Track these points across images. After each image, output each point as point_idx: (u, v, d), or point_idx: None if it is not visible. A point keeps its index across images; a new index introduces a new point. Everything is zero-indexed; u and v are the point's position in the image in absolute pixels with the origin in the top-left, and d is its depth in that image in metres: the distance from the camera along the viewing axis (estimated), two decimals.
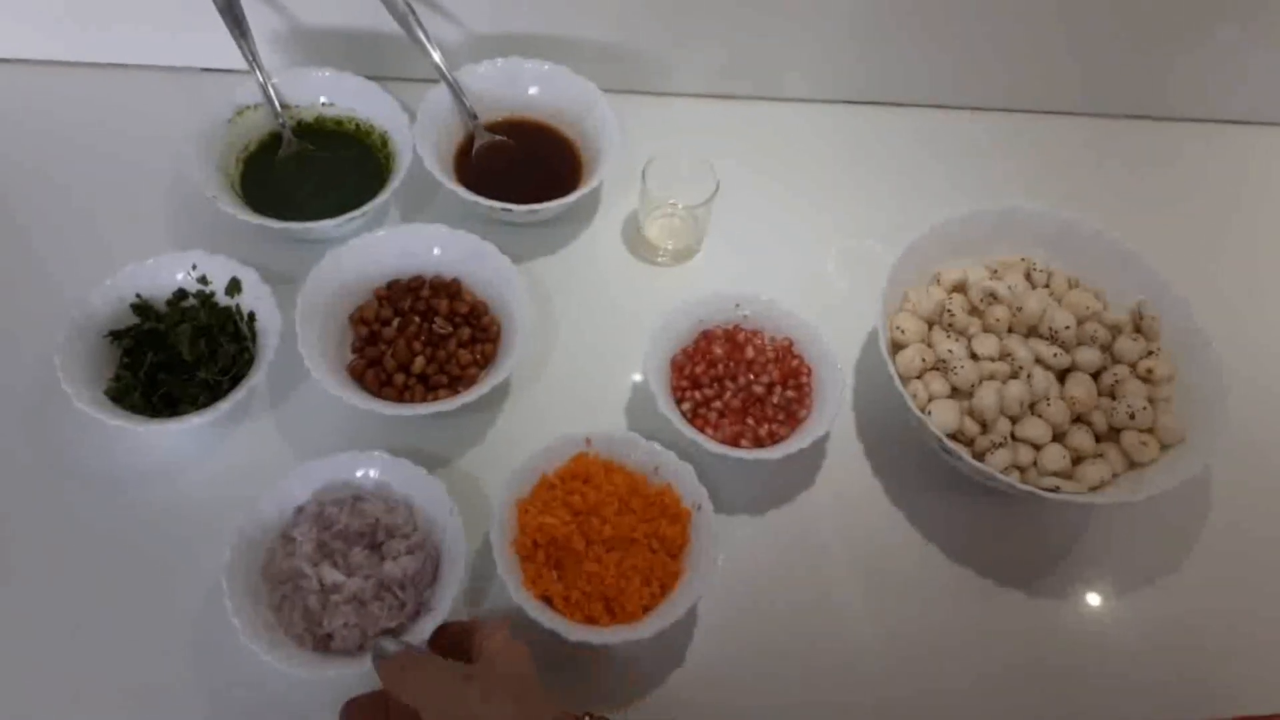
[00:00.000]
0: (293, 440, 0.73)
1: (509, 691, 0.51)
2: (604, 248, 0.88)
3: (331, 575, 0.62)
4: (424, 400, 0.72)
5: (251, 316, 0.73)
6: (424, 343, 0.74)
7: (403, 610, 0.63)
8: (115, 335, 0.71)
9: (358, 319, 0.76)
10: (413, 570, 0.64)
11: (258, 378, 0.68)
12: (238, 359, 0.71)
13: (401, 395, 0.73)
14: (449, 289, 0.78)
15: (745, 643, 0.68)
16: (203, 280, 0.73)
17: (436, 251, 0.78)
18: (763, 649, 0.68)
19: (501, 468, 0.69)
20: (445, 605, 0.62)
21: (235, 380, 0.70)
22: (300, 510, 0.66)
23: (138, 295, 0.72)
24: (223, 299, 0.73)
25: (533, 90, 0.90)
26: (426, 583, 0.65)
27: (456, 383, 0.74)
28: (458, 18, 0.90)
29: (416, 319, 0.75)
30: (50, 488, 0.69)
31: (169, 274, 0.73)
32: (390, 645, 0.53)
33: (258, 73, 0.84)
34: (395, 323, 0.75)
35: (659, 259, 0.88)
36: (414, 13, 0.85)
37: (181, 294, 0.73)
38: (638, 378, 0.79)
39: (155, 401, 0.68)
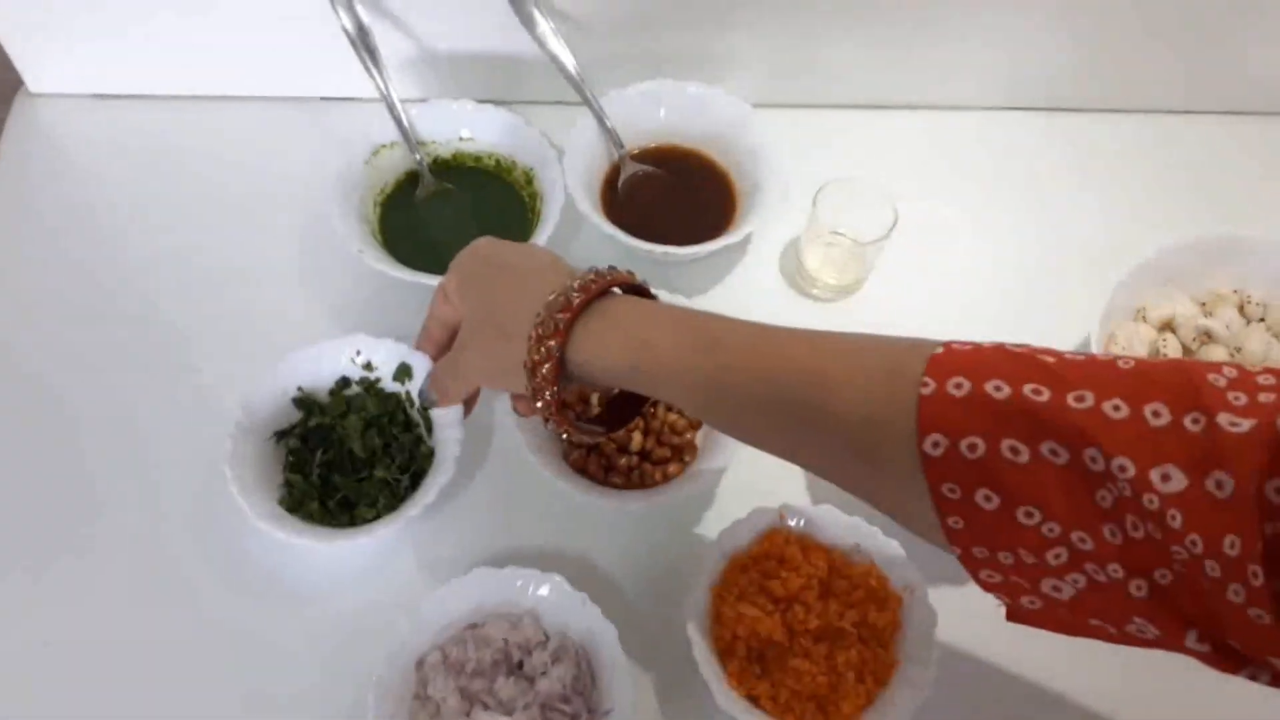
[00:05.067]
0: (480, 534, 0.68)
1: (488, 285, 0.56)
2: (762, 281, 0.82)
3: None
4: (654, 480, 0.67)
5: None
6: None
7: None
8: (279, 435, 0.65)
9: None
10: (570, 678, 0.58)
11: (445, 476, 0.62)
12: (414, 452, 0.65)
13: (629, 478, 0.67)
14: None
15: None
16: (367, 366, 0.67)
17: None
18: None
19: (679, 539, 0.65)
20: (624, 697, 0.58)
21: (415, 476, 0.64)
22: (421, 664, 0.59)
23: (299, 388, 0.66)
24: (390, 385, 0.67)
25: (681, 115, 0.83)
26: (588, 685, 0.60)
27: (680, 452, 0.68)
28: (599, 34, 0.82)
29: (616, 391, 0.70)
30: (229, 605, 0.65)
31: (331, 361, 0.67)
32: (428, 391, 0.62)
33: (395, 107, 0.78)
34: (594, 399, 0.69)
35: (816, 291, 0.81)
36: (554, 33, 0.78)
37: (344, 382, 0.67)
38: None
39: (332, 507, 0.63)
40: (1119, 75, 0.89)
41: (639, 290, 0.55)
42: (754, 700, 0.59)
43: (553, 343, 0.50)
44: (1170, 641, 0.38)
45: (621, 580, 0.67)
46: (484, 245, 0.59)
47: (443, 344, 0.62)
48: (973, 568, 0.41)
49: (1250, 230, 0.75)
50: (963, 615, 0.65)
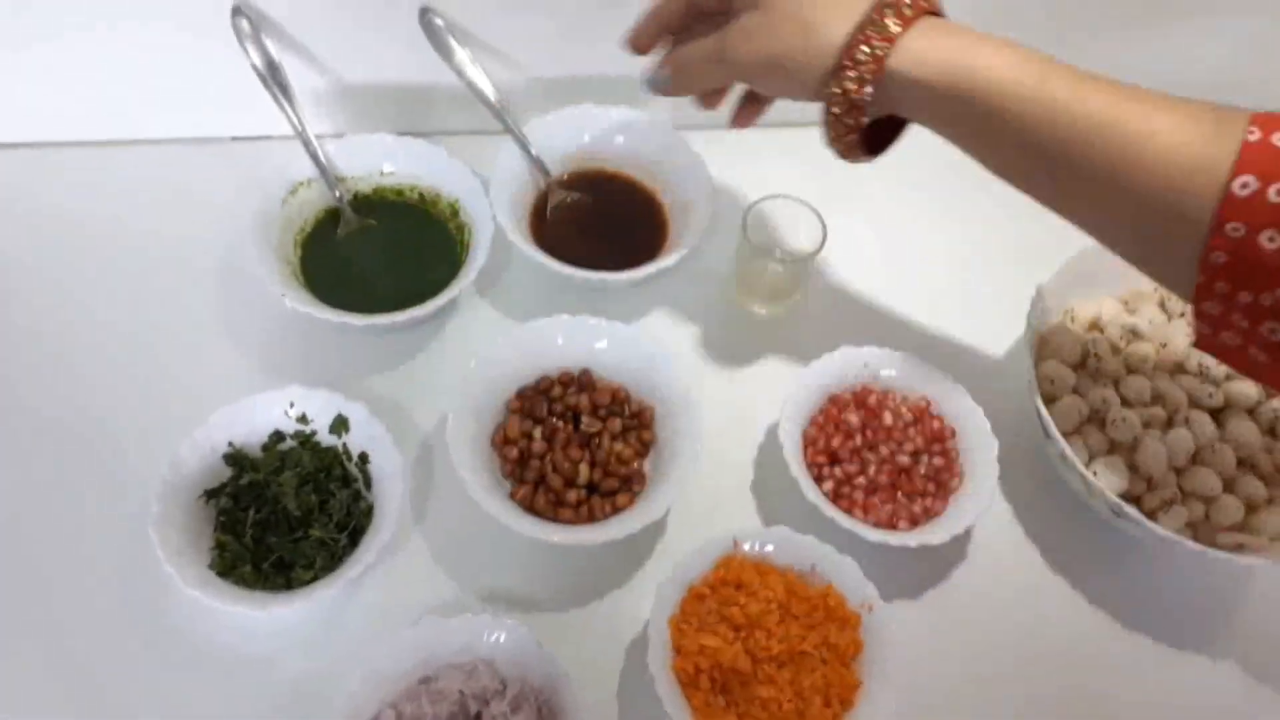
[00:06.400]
0: (427, 583, 0.65)
1: None
2: (700, 301, 0.81)
3: None
4: (604, 513, 0.65)
5: (364, 457, 0.64)
6: (579, 447, 0.67)
7: None
8: (209, 494, 0.62)
9: (501, 441, 0.67)
10: None
11: (386, 534, 0.59)
12: (352, 509, 0.62)
13: (578, 512, 0.65)
14: (580, 381, 0.70)
15: None
16: (302, 419, 0.64)
17: (560, 341, 0.70)
18: None
19: (634, 572, 0.64)
20: None
21: (354, 534, 0.61)
22: None
23: (230, 444, 0.63)
24: (326, 438, 0.64)
25: (605, 139, 0.82)
26: None
27: (629, 483, 0.66)
28: (517, 61, 0.81)
29: (558, 423, 0.68)
30: (161, 680, 0.60)
31: (264, 415, 0.64)
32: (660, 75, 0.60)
33: (311, 143, 0.75)
34: (537, 433, 0.67)
35: (755, 307, 0.81)
36: (472, 61, 0.77)
37: (278, 436, 0.64)
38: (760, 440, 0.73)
39: (266, 569, 0.60)
40: None
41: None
42: None
43: (881, 43, 0.51)
44: None
45: (577, 619, 0.65)
46: None
47: (672, 27, 0.61)
48: (1199, 296, 0.47)
49: None
50: (923, 630, 0.66)
